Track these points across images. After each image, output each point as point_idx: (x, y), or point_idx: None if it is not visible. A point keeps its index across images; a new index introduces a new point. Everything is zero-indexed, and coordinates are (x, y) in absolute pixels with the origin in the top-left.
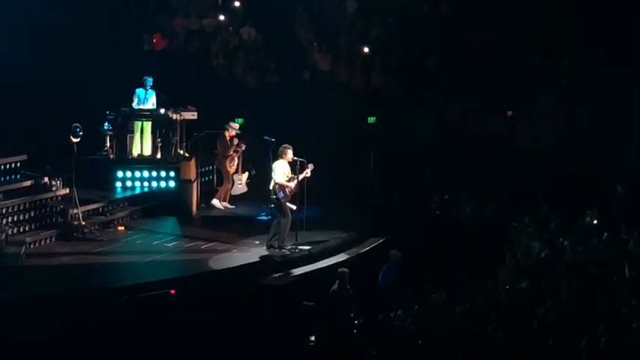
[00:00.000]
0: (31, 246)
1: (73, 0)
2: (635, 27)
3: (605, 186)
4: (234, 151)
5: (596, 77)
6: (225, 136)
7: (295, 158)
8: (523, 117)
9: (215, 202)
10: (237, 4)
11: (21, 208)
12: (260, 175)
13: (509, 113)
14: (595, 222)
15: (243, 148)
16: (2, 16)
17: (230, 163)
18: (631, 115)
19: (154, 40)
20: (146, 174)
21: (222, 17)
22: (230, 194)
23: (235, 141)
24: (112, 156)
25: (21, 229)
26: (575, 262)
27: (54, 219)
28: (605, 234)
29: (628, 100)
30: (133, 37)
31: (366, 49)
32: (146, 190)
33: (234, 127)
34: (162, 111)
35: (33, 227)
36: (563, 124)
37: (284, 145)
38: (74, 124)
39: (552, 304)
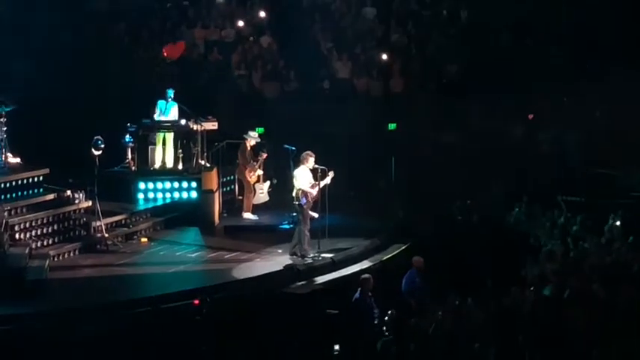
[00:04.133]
0: (55, 259)
1: (93, 14)
2: None
3: (628, 188)
4: (255, 161)
5: (619, 78)
6: (245, 146)
7: (316, 166)
8: (545, 120)
9: (246, 214)
10: (261, 14)
11: (44, 221)
12: (281, 183)
13: (531, 117)
14: (618, 223)
15: (265, 156)
16: (23, 30)
17: (251, 172)
18: None
19: (165, 54)
20: (168, 185)
21: (241, 24)
22: (252, 203)
23: (262, 155)
24: (133, 168)
25: (44, 243)
26: (599, 265)
27: (77, 232)
28: (631, 237)
29: None
30: (154, 50)
31: (385, 56)
32: (168, 201)
33: (253, 137)
34: (183, 122)
35: (56, 240)
36: (584, 126)
37: (306, 152)
38: (95, 137)
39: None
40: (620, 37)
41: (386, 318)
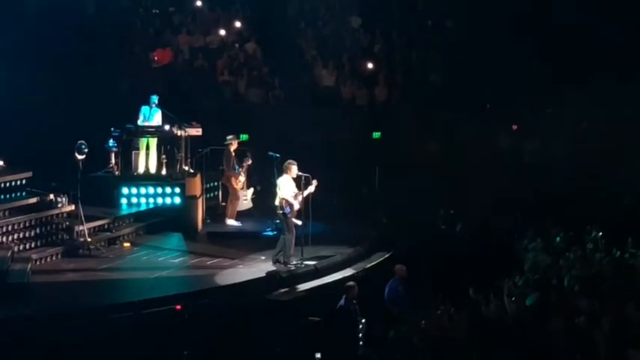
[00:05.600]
0: (37, 263)
1: (76, 19)
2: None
3: (612, 198)
4: (240, 166)
5: (602, 89)
6: (229, 151)
7: (300, 174)
8: (529, 131)
9: (229, 221)
10: (237, 24)
11: (27, 225)
12: (265, 190)
13: (515, 127)
14: (600, 234)
15: (249, 162)
16: (7, 32)
17: (237, 179)
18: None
19: (156, 58)
20: (151, 190)
21: (225, 31)
22: (236, 210)
23: (246, 161)
24: (117, 172)
25: (27, 246)
26: (582, 276)
27: (59, 236)
28: (615, 250)
29: (635, 109)
30: (138, 55)
31: (370, 65)
32: (151, 206)
33: (231, 139)
34: (166, 127)
35: (39, 244)
36: (568, 137)
37: (288, 161)
38: (79, 141)
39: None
40: (606, 46)
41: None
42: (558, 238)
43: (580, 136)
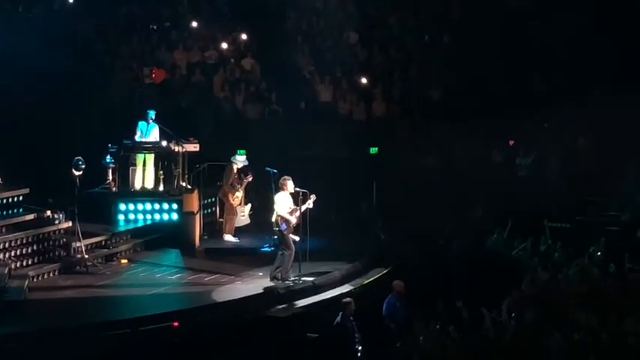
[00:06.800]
0: (35, 280)
1: (74, 34)
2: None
3: (609, 214)
4: (239, 183)
5: (598, 105)
6: (231, 168)
7: (297, 189)
8: (526, 146)
9: (227, 237)
10: (243, 36)
11: (24, 241)
12: (263, 206)
13: (512, 143)
14: (599, 254)
15: (250, 179)
16: (3, 49)
17: (233, 195)
18: (635, 142)
19: (153, 75)
20: (149, 206)
21: (224, 46)
22: (234, 226)
23: (247, 178)
24: (114, 189)
25: (24, 263)
26: (580, 292)
27: (57, 252)
28: (612, 264)
29: (632, 127)
30: (135, 71)
31: (367, 80)
32: (149, 222)
33: (240, 161)
34: (164, 143)
35: (36, 261)
36: (567, 152)
37: (284, 177)
38: (76, 157)
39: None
40: (603, 63)
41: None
42: (557, 254)
43: (577, 151)
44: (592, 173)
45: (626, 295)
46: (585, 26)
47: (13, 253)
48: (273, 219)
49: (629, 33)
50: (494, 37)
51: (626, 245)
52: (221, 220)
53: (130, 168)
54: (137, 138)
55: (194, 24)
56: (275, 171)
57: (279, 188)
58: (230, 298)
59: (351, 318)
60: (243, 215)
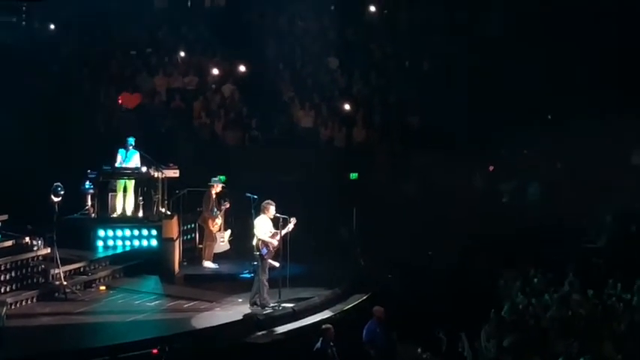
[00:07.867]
0: (12, 307)
1: (55, 60)
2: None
3: (587, 239)
4: (218, 209)
5: (577, 130)
6: (210, 193)
7: (277, 215)
8: (505, 172)
9: (207, 263)
10: (215, 70)
11: (2, 268)
12: (242, 232)
13: (491, 168)
14: (577, 280)
15: (227, 206)
16: None
17: (213, 221)
18: (615, 167)
19: (120, 101)
20: (128, 233)
21: (203, 73)
22: (213, 252)
23: (224, 204)
24: (93, 215)
25: (2, 290)
26: (559, 318)
27: (35, 279)
28: (591, 291)
29: (612, 152)
30: (113, 97)
31: (348, 106)
32: (128, 248)
33: (216, 181)
34: (144, 169)
35: (14, 287)
36: (546, 177)
37: (266, 201)
38: (55, 184)
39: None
40: (583, 87)
41: None
42: (536, 280)
43: (555, 176)
44: (569, 198)
45: (605, 321)
46: (562, 54)
47: None
48: (254, 243)
49: (606, 59)
50: (473, 65)
51: (604, 271)
52: (200, 246)
53: (110, 194)
54: (117, 164)
55: (175, 45)
56: (255, 197)
57: (259, 212)
58: (209, 325)
59: (331, 344)
60: (222, 241)
